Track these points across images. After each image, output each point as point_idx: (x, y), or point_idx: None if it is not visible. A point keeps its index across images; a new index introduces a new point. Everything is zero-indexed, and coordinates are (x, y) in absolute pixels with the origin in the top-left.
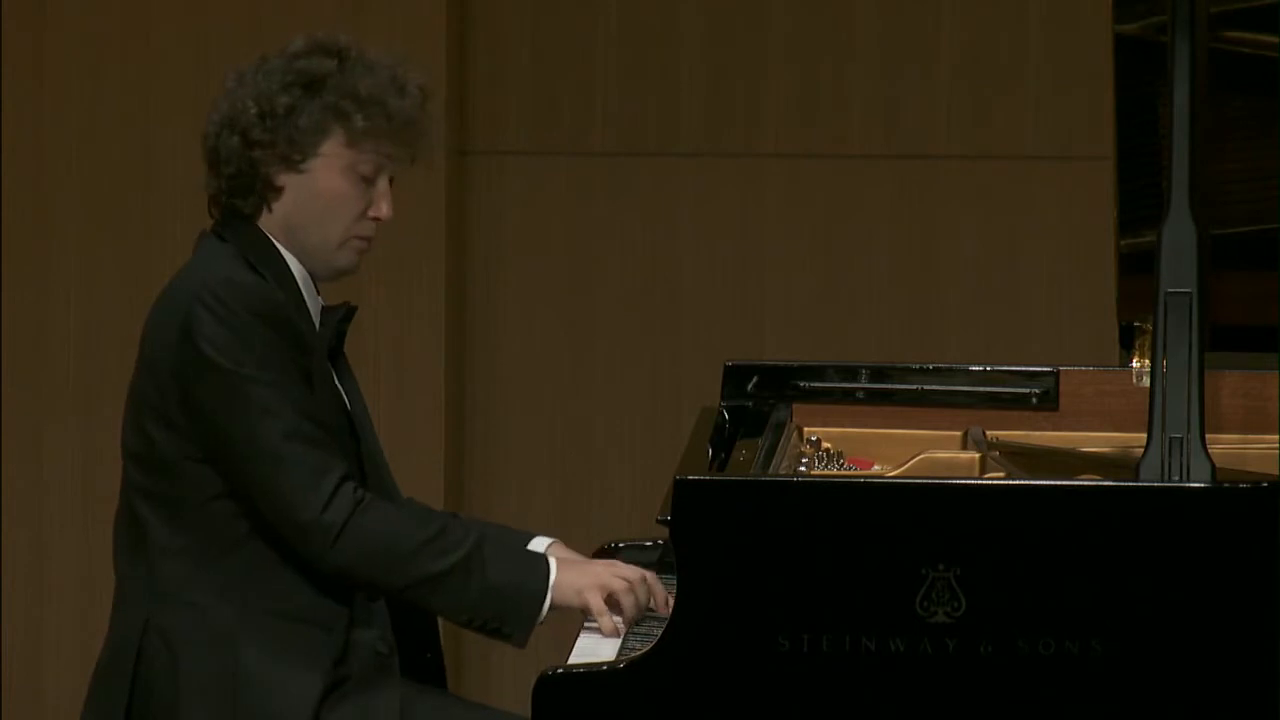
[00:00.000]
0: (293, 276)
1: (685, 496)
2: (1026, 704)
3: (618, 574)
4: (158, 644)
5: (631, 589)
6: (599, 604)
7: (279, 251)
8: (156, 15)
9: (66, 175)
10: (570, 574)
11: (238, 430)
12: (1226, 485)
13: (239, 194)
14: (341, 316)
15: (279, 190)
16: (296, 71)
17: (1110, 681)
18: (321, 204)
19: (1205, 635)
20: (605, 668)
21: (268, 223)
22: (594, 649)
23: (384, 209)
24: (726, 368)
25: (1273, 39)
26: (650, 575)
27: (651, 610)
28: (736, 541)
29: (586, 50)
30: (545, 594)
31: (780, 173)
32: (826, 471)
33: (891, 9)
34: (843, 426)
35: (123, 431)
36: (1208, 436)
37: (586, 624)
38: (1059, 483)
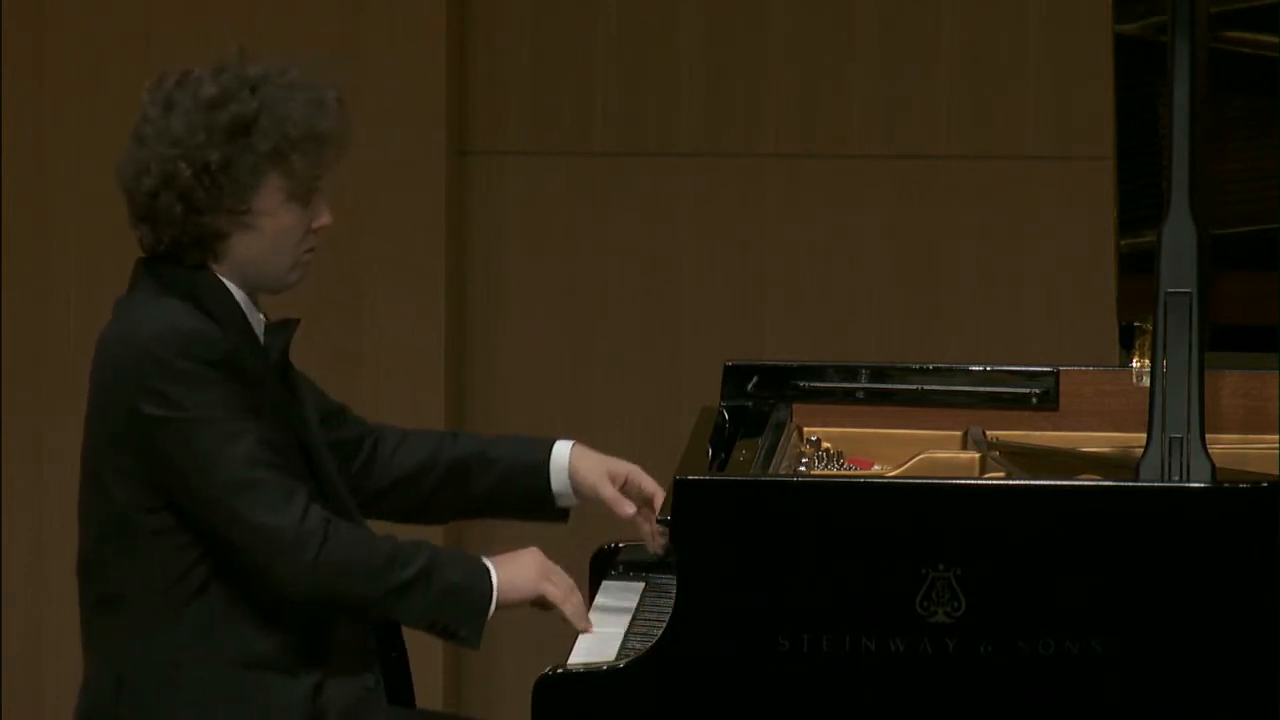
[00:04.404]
0: (235, 303)
1: (685, 496)
2: (1026, 704)
3: (552, 579)
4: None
5: (561, 593)
6: (551, 589)
7: (219, 280)
8: (156, 15)
9: (66, 175)
10: (509, 570)
11: (199, 469)
12: (1226, 485)
13: (182, 250)
14: (287, 332)
15: (224, 238)
16: (222, 124)
17: (1110, 681)
18: (269, 242)
19: (1205, 635)
20: (605, 668)
21: (213, 263)
22: (594, 649)
23: (325, 217)
24: (726, 368)
25: (1273, 39)
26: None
27: (654, 617)
28: (736, 541)
29: (586, 50)
30: (492, 592)
31: (780, 173)
32: (826, 471)
33: (891, 9)
34: (843, 426)
35: (80, 487)
36: (1208, 436)
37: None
38: (1059, 483)
